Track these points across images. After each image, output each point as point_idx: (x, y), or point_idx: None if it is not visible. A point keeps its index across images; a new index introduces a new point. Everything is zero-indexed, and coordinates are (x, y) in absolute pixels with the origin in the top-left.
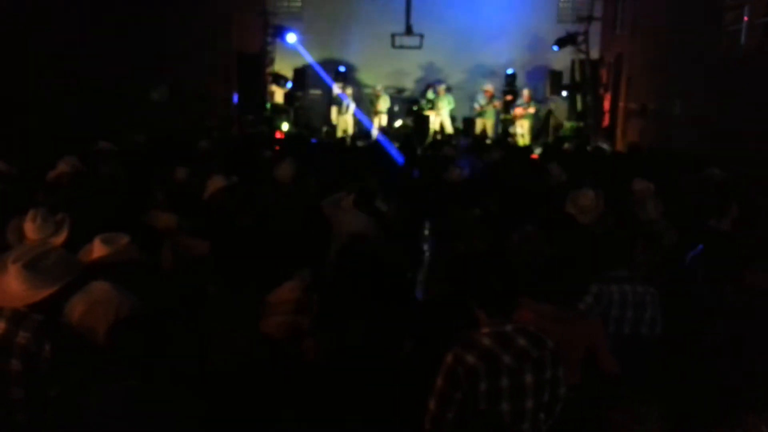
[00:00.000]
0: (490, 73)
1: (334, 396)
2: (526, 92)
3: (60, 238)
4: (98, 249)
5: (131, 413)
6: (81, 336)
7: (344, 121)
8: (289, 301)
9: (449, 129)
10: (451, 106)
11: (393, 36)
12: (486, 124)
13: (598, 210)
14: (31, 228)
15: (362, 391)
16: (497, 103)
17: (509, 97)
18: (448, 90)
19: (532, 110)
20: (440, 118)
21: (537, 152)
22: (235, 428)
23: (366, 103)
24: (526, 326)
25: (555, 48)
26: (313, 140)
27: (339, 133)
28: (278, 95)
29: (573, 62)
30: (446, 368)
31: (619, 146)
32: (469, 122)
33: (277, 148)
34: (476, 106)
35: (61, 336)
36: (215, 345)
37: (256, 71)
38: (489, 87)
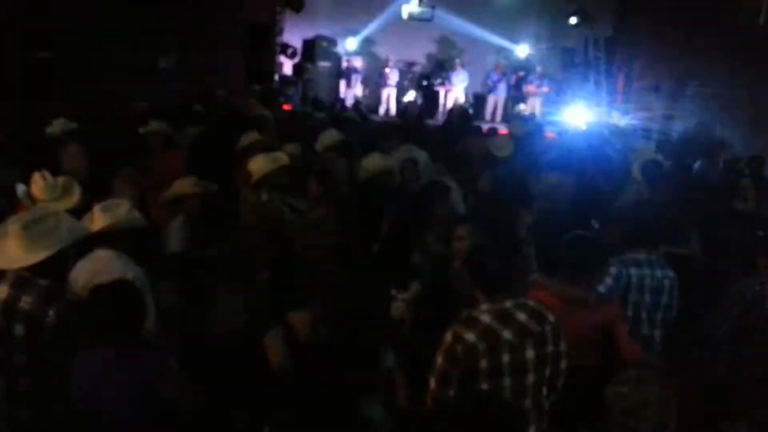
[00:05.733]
0: (502, 49)
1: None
2: (539, 69)
3: (69, 202)
4: (98, 217)
5: (111, 380)
6: (84, 302)
7: (352, 94)
8: None
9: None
10: (465, 83)
11: (404, 7)
12: (497, 100)
13: None
14: (38, 188)
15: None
16: (512, 78)
17: (521, 73)
18: (462, 66)
19: (545, 89)
20: (454, 93)
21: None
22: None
23: (375, 77)
24: (527, 302)
25: (570, 23)
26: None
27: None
28: (287, 67)
29: (587, 39)
30: (446, 346)
31: None
32: (480, 99)
33: None
34: (488, 82)
35: (65, 302)
36: (219, 308)
37: (264, 42)
38: (501, 62)
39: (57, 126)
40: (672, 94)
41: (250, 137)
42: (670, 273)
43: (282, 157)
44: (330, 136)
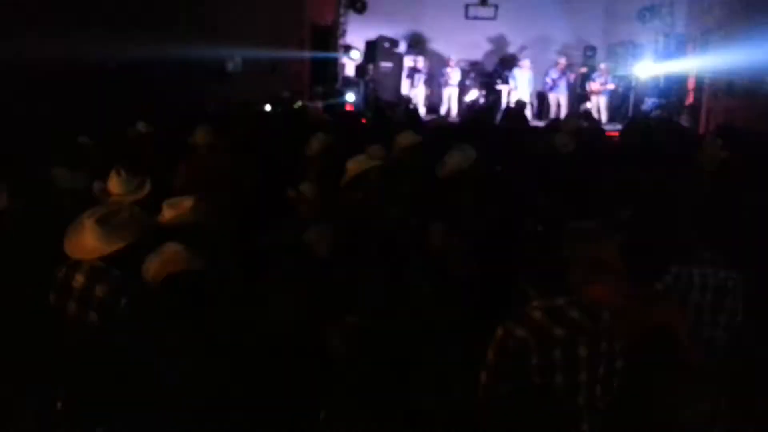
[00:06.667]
0: (567, 47)
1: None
2: (603, 66)
3: (140, 195)
4: (166, 212)
5: (179, 367)
6: (155, 291)
7: (415, 94)
8: None
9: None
10: (529, 81)
11: (467, 6)
12: (559, 99)
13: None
14: (114, 183)
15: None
16: (571, 76)
17: (584, 70)
18: (527, 64)
19: (611, 86)
20: (518, 92)
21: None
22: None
23: (437, 76)
24: (581, 299)
25: (638, 20)
26: None
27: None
28: (349, 67)
29: (657, 36)
30: (496, 342)
31: (704, 127)
32: (542, 97)
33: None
34: (548, 79)
35: (137, 291)
36: (270, 305)
37: (328, 43)
38: (562, 60)
39: (137, 128)
40: (746, 90)
41: (321, 140)
42: (735, 274)
43: (377, 157)
44: (407, 137)
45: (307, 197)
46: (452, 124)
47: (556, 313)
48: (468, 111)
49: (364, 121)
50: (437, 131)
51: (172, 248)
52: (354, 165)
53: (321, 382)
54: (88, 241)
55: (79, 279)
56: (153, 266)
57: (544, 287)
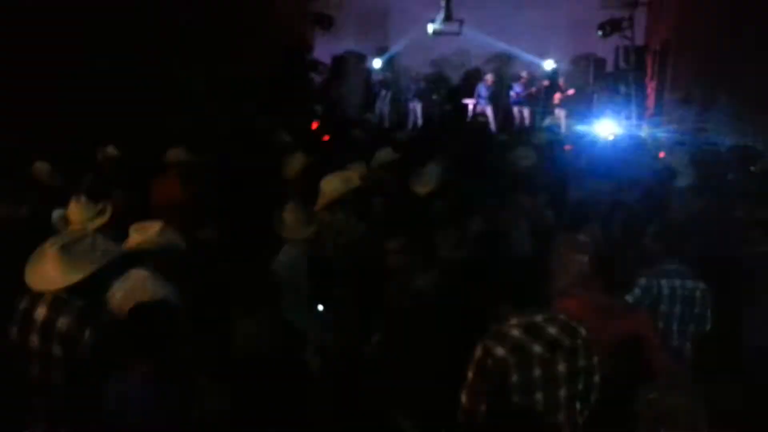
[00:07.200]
0: (530, 60)
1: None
2: (562, 80)
3: (102, 221)
4: (132, 237)
5: (148, 398)
6: (121, 321)
7: (381, 108)
8: None
9: (491, 117)
10: (493, 95)
11: (432, 22)
12: (523, 112)
13: None
14: (74, 211)
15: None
16: (533, 90)
17: (547, 83)
18: (490, 80)
19: (571, 92)
20: (482, 107)
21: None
22: (257, 413)
23: (403, 91)
24: (558, 315)
25: (599, 34)
26: None
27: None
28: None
29: (617, 49)
30: (476, 361)
31: None
32: (507, 111)
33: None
34: (512, 93)
35: (101, 322)
36: (238, 331)
37: (296, 59)
38: (525, 74)
39: (106, 151)
40: (703, 103)
41: (300, 160)
42: (702, 284)
43: (355, 179)
44: (387, 154)
45: (292, 218)
46: (417, 139)
47: (534, 330)
48: (433, 125)
49: (326, 137)
50: (407, 146)
51: (138, 275)
52: (328, 187)
53: (297, 407)
54: (50, 271)
55: (41, 311)
56: (119, 294)
57: (521, 304)
